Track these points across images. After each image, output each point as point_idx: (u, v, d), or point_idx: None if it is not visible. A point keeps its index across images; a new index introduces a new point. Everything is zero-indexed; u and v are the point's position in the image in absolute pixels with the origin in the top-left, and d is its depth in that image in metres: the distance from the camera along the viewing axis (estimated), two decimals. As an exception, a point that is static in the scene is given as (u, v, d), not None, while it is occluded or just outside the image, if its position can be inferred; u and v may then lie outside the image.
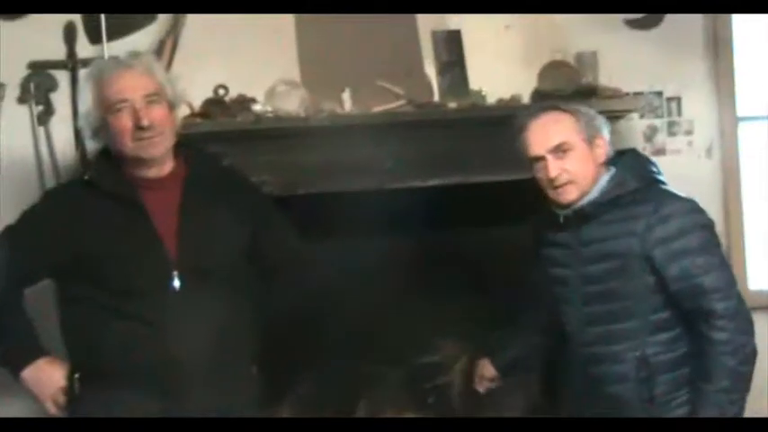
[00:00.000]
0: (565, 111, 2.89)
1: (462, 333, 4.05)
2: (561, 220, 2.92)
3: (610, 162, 2.92)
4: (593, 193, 2.87)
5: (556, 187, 2.86)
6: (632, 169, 2.90)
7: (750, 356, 2.78)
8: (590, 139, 2.87)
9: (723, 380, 2.75)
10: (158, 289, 2.78)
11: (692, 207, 2.87)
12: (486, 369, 3.32)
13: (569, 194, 2.87)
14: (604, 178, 2.89)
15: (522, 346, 3.29)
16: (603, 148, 2.89)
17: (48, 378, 2.88)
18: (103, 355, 2.79)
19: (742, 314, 2.78)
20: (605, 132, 2.90)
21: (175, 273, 2.79)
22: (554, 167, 2.85)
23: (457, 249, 3.86)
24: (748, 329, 2.79)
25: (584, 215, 2.88)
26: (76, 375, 2.84)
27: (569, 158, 2.85)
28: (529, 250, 3.14)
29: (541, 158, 2.87)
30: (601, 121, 2.90)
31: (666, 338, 2.84)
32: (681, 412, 2.82)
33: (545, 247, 3.01)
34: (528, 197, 3.02)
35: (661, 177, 2.94)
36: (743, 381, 2.78)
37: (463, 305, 3.83)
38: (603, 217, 2.86)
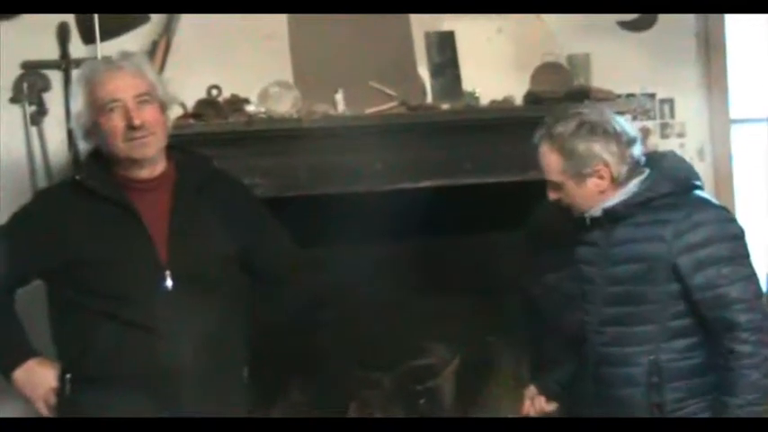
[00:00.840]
0: (553, 150, 2.86)
1: (453, 337, 4.05)
2: (588, 222, 2.89)
3: (645, 164, 2.88)
4: (623, 195, 2.84)
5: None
6: (667, 173, 2.86)
7: None
8: (578, 178, 2.84)
9: (747, 393, 2.71)
10: (149, 291, 2.77)
11: (724, 216, 2.84)
12: (537, 402, 3.22)
13: (574, 212, 2.91)
14: (636, 181, 2.85)
15: (569, 366, 3.16)
16: (604, 178, 2.84)
17: (39, 379, 2.87)
18: (94, 357, 2.78)
19: (766, 327, 2.74)
20: (609, 162, 2.82)
21: (167, 273, 2.77)
22: (551, 195, 2.91)
23: (448, 252, 3.85)
24: None
25: (614, 215, 2.84)
26: (68, 376, 2.82)
27: (563, 192, 2.88)
28: (522, 254, 3.12)
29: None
30: (596, 155, 2.82)
31: (682, 346, 2.80)
32: None
33: (577, 246, 2.96)
34: (521, 199, 3.00)
35: (698, 183, 2.90)
36: (766, 395, 2.74)
37: (454, 308, 3.82)
38: (634, 219, 2.82)
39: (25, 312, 2.94)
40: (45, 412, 2.88)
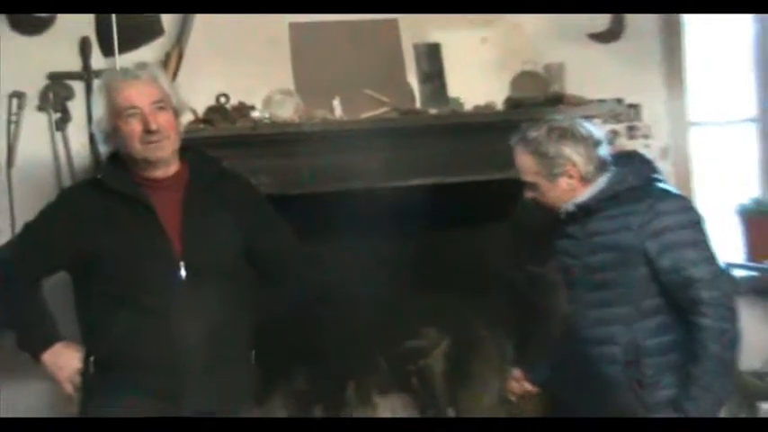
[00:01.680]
0: (528, 153, 2.89)
1: (443, 321, 4.05)
2: (563, 216, 2.91)
3: (613, 162, 2.90)
4: (592, 191, 2.86)
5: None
6: (632, 169, 2.88)
7: (731, 343, 2.75)
8: (550, 178, 2.86)
9: (708, 363, 2.72)
10: (165, 281, 2.75)
11: (685, 204, 2.87)
12: (522, 385, 3.25)
13: (549, 208, 2.93)
14: (604, 178, 2.87)
15: (553, 356, 3.20)
16: (573, 177, 2.86)
17: (65, 361, 2.85)
18: (115, 341, 2.76)
19: (726, 304, 2.75)
20: (577, 163, 2.84)
21: (181, 264, 2.76)
22: (526, 194, 2.93)
23: (437, 244, 3.85)
24: (731, 318, 2.75)
25: (586, 209, 2.86)
26: (91, 358, 2.81)
27: (537, 192, 2.90)
28: (504, 245, 3.12)
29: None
30: (566, 156, 2.84)
31: (656, 325, 2.81)
32: (666, 394, 2.79)
33: (556, 239, 2.98)
34: (503, 195, 3.00)
35: (659, 176, 2.91)
36: (726, 365, 2.76)
37: (444, 295, 3.81)
38: (606, 212, 2.84)
39: (51, 300, 2.92)
40: (70, 391, 2.86)
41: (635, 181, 2.84)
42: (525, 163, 2.90)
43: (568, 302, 2.94)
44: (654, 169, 2.93)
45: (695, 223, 2.83)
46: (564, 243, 2.94)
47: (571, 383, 3.00)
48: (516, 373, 3.25)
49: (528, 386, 3.22)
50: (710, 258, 2.80)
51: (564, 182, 2.87)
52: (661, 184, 2.89)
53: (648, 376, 2.80)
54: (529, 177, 2.90)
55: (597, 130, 2.95)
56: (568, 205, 2.88)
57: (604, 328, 2.84)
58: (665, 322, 2.81)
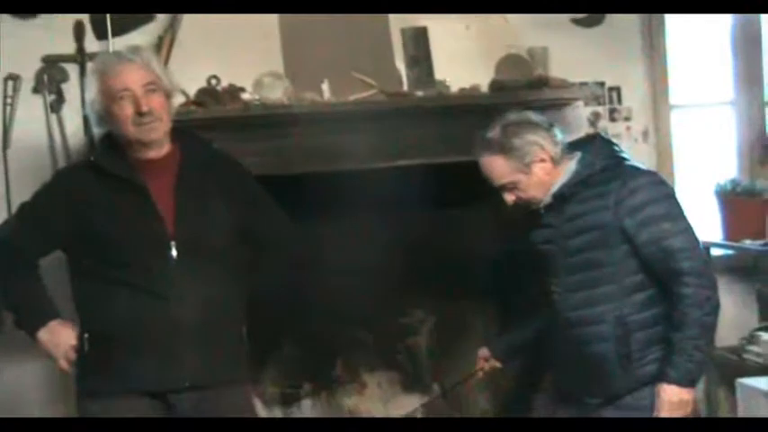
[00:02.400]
0: (494, 154, 2.84)
1: (428, 300, 4.05)
2: (542, 210, 2.89)
3: (577, 147, 2.88)
4: (565, 177, 2.84)
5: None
6: (598, 151, 2.86)
7: (713, 308, 2.74)
8: (525, 170, 2.83)
9: (689, 329, 2.71)
10: (157, 259, 2.75)
11: (656, 179, 2.85)
12: (491, 361, 3.25)
13: (533, 206, 2.89)
14: (573, 163, 2.85)
15: (519, 333, 3.24)
16: (546, 160, 2.83)
17: (60, 338, 2.83)
18: (109, 318, 2.76)
19: (706, 272, 2.76)
20: (544, 146, 2.82)
21: (173, 244, 2.75)
22: (509, 198, 2.88)
23: (422, 223, 3.84)
24: (711, 285, 2.75)
25: (562, 198, 2.84)
26: (86, 335, 2.80)
27: (517, 190, 2.86)
28: (488, 225, 3.12)
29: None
30: (532, 142, 2.82)
31: (641, 300, 2.80)
32: (652, 368, 2.78)
33: (532, 230, 2.96)
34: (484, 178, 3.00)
35: (625, 155, 2.90)
36: (707, 330, 2.76)
37: (429, 273, 3.81)
38: (580, 195, 2.82)
39: (47, 279, 2.91)
40: (65, 367, 2.85)
41: (604, 162, 2.82)
42: (497, 166, 2.85)
43: (552, 288, 2.92)
44: (618, 149, 2.92)
45: (669, 196, 2.82)
46: (544, 232, 2.92)
47: (561, 364, 2.99)
48: (483, 351, 3.26)
49: (494, 363, 3.23)
50: (687, 229, 2.79)
51: (539, 168, 2.83)
52: (629, 162, 2.87)
53: (636, 350, 2.79)
54: (505, 179, 2.86)
55: (541, 116, 2.93)
56: (547, 199, 2.86)
57: (592, 308, 2.82)
58: (648, 297, 2.80)
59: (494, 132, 2.85)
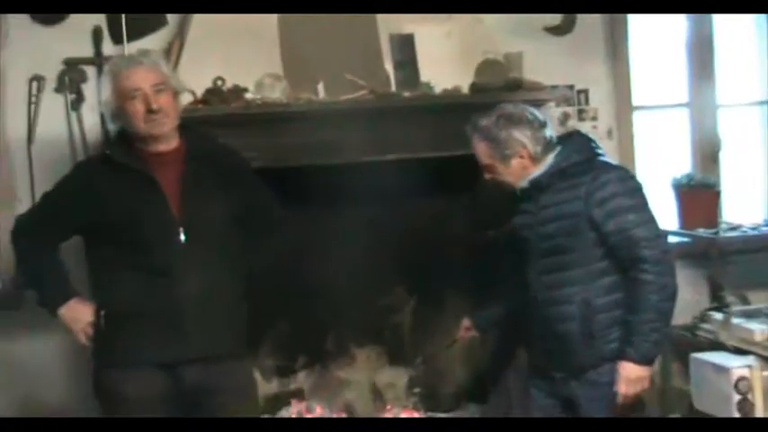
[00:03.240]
0: (481, 139, 2.88)
1: (411, 281, 4.03)
2: (519, 192, 2.89)
3: (558, 142, 2.88)
4: (543, 168, 2.84)
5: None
6: (575, 146, 2.87)
7: (670, 295, 2.76)
8: (504, 159, 2.85)
9: (647, 313, 2.72)
10: (166, 244, 2.74)
11: (623, 175, 2.84)
12: (470, 330, 3.28)
13: (506, 186, 2.91)
14: (552, 155, 2.85)
15: (497, 309, 3.24)
16: (524, 157, 2.84)
17: (79, 315, 2.83)
18: (123, 297, 2.75)
19: (666, 260, 2.76)
20: (526, 144, 2.83)
21: (180, 230, 2.74)
22: (486, 175, 2.92)
23: (408, 213, 3.81)
24: (670, 273, 2.76)
25: (538, 186, 2.84)
26: (102, 313, 2.79)
27: (495, 173, 2.89)
28: (466, 213, 3.11)
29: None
30: (516, 140, 2.83)
31: (605, 285, 2.79)
32: (613, 347, 2.78)
33: (514, 216, 2.96)
34: (468, 170, 2.98)
35: (600, 151, 2.90)
36: (664, 315, 2.77)
37: (413, 258, 3.79)
38: (555, 186, 2.82)
39: (68, 263, 2.91)
40: (83, 341, 2.84)
41: (579, 157, 2.83)
42: (480, 149, 2.88)
43: (525, 270, 2.92)
44: (594, 145, 2.91)
45: (635, 190, 2.82)
46: (520, 218, 2.92)
47: (534, 340, 2.99)
48: (466, 321, 3.28)
49: (473, 332, 3.26)
50: (650, 221, 2.79)
51: (516, 162, 2.85)
52: (602, 158, 2.87)
53: (599, 330, 2.78)
54: (485, 161, 2.89)
55: (541, 113, 2.92)
56: (523, 182, 2.86)
57: (560, 290, 2.82)
58: (612, 282, 2.79)
59: (487, 120, 2.87)
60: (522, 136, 2.82)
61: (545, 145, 2.85)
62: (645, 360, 2.75)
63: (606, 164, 2.86)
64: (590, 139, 2.94)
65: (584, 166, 2.81)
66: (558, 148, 2.86)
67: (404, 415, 3.85)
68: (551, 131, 2.88)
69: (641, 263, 2.71)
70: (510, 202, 2.94)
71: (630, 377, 2.75)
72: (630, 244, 2.73)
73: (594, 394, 2.82)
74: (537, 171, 2.84)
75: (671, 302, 2.76)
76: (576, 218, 2.77)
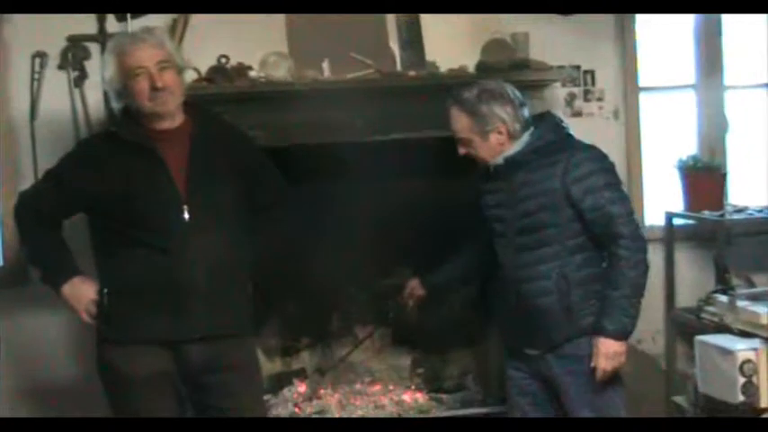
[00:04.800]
0: (462, 112, 2.89)
1: (415, 261, 4.01)
2: (492, 169, 2.91)
3: (531, 123, 2.90)
4: (518, 147, 2.87)
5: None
6: (548, 127, 2.91)
7: (645, 270, 2.82)
8: (482, 135, 2.86)
9: (625, 288, 2.78)
10: (171, 221, 2.72)
11: (597, 154, 2.90)
12: (416, 288, 3.30)
13: (481, 162, 2.93)
14: (526, 135, 2.88)
15: (448, 271, 3.26)
16: (503, 134, 2.86)
17: (82, 292, 2.82)
18: (127, 275, 2.74)
19: (640, 236, 2.83)
20: (506, 120, 2.85)
21: (185, 207, 2.72)
22: (461, 150, 2.93)
23: (412, 192, 3.79)
24: (645, 248, 2.83)
25: (514, 163, 2.87)
26: (105, 290, 2.77)
27: (470, 147, 2.90)
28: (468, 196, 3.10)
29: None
30: (497, 115, 2.85)
31: (580, 260, 2.84)
32: (590, 320, 2.83)
33: (484, 195, 2.99)
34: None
35: (570, 131, 2.95)
36: (639, 288, 2.82)
37: (417, 237, 3.78)
38: (531, 164, 2.85)
39: (71, 241, 2.90)
40: (87, 319, 2.83)
41: (553, 136, 2.88)
42: (460, 122, 2.89)
43: (499, 249, 2.94)
44: (565, 125, 2.96)
45: (608, 170, 2.88)
46: (496, 197, 2.94)
47: (507, 320, 3.01)
48: (413, 282, 3.30)
49: (419, 291, 3.27)
50: (624, 198, 2.87)
51: (494, 138, 2.87)
52: (573, 138, 2.93)
53: (576, 303, 2.82)
54: (463, 134, 2.90)
55: (518, 93, 2.93)
56: (498, 159, 2.88)
57: (537, 265, 2.85)
58: (587, 258, 2.85)
59: (469, 93, 2.88)
60: (502, 112, 2.85)
61: (522, 123, 2.88)
62: (622, 335, 2.80)
63: (580, 143, 2.92)
64: (561, 120, 2.99)
65: (559, 145, 2.86)
66: (532, 129, 2.89)
67: (406, 396, 3.86)
68: (527, 112, 2.92)
69: (618, 238, 2.78)
70: (480, 180, 2.97)
71: (609, 352, 2.79)
72: (607, 220, 2.79)
73: (572, 368, 2.86)
74: (512, 149, 2.86)
75: (644, 277, 2.83)
76: (552, 194, 2.82)
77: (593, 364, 2.80)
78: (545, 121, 2.93)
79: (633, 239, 2.78)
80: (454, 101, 2.90)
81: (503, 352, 3.20)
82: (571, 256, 2.83)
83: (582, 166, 2.81)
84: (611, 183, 2.85)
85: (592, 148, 2.92)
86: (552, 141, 2.86)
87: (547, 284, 2.83)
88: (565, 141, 2.89)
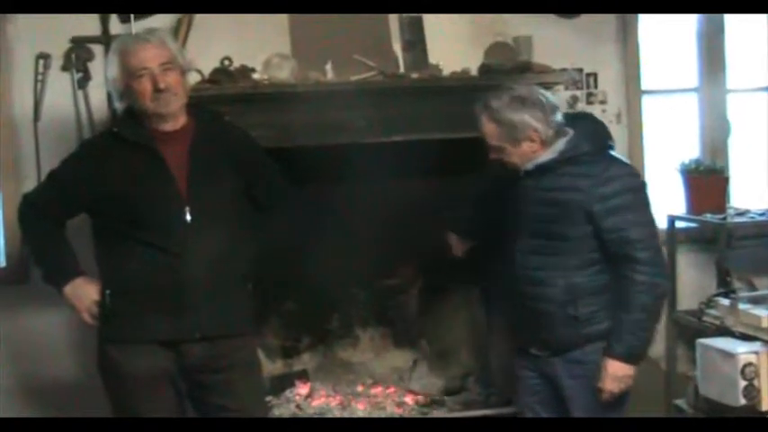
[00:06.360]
0: (492, 121, 2.80)
1: (417, 261, 4.02)
2: (522, 174, 2.83)
3: (569, 123, 2.82)
4: (552, 154, 2.79)
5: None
6: (586, 135, 2.81)
7: (661, 295, 2.77)
8: (513, 143, 2.79)
9: (638, 312, 2.72)
10: (172, 222, 2.72)
11: (631, 171, 2.83)
12: (454, 239, 3.21)
13: (512, 167, 2.85)
14: (562, 141, 2.79)
15: (474, 219, 3.17)
16: (535, 141, 2.78)
17: (84, 293, 2.82)
18: (129, 276, 2.74)
19: (659, 261, 2.76)
20: (538, 128, 2.76)
21: (187, 208, 2.72)
22: (491, 156, 2.85)
23: (414, 192, 3.78)
24: (662, 273, 2.77)
25: (543, 169, 2.80)
26: (108, 291, 2.77)
27: (502, 154, 2.82)
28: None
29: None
30: (527, 123, 2.76)
31: (592, 272, 2.78)
32: (599, 327, 2.78)
33: (511, 187, 2.89)
34: (475, 151, 2.95)
35: (611, 143, 2.86)
36: (654, 314, 2.77)
37: (418, 238, 3.78)
38: (559, 170, 2.78)
39: (74, 242, 2.90)
40: (89, 320, 2.83)
41: (589, 146, 2.79)
42: (490, 130, 2.81)
43: (513, 244, 2.88)
44: (607, 134, 2.87)
45: (639, 189, 2.80)
46: (517, 191, 2.86)
47: (516, 317, 2.97)
48: (452, 236, 3.21)
49: (462, 245, 3.19)
50: (648, 222, 2.79)
51: (526, 146, 2.79)
52: (612, 151, 2.84)
53: (583, 314, 2.77)
54: (494, 142, 2.82)
55: (553, 96, 2.87)
56: (529, 165, 2.82)
57: (546, 271, 2.80)
58: (599, 269, 2.78)
59: (498, 102, 2.79)
60: (534, 119, 2.76)
61: (556, 129, 2.80)
62: (633, 358, 2.75)
63: (615, 159, 2.83)
64: (603, 125, 2.90)
65: (593, 156, 2.78)
66: (570, 133, 2.81)
67: (407, 398, 3.86)
68: (560, 116, 2.83)
69: (635, 263, 2.71)
70: (510, 180, 2.89)
71: (617, 374, 2.75)
72: (625, 243, 2.72)
73: (576, 372, 2.82)
74: (545, 155, 2.79)
75: (660, 302, 2.77)
76: (570, 208, 2.75)
77: (599, 385, 2.76)
78: (582, 128, 2.83)
79: (650, 265, 2.71)
80: (484, 109, 2.82)
81: (502, 353, 3.19)
82: (582, 268, 2.77)
83: (611, 183, 2.73)
84: (638, 204, 2.76)
85: (626, 165, 2.83)
86: (586, 152, 2.77)
87: (553, 292, 2.78)
88: (600, 154, 2.80)
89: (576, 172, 2.75)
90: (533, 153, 2.80)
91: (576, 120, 2.89)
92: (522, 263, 2.84)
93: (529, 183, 2.83)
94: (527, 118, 2.76)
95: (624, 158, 2.87)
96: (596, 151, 2.79)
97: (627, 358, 2.73)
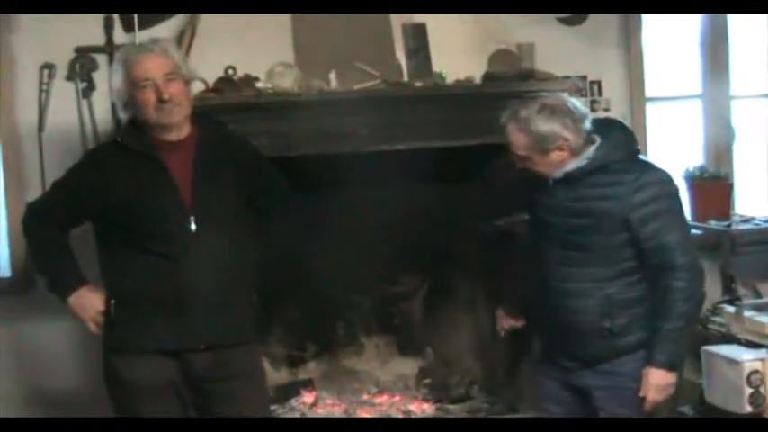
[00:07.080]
0: (520, 131, 2.74)
1: (422, 268, 4.02)
2: (551, 183, 2.77)
3: (597, 130, 2.76)
4: (581, 162, 2.73)
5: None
6: (615, 143, 2.75)
7: (699, 302, 2.74)
8: (542, 152, 2.72)
9: (677, 320, 2.67)
10: (177, 231, 2.72)
11: (665, 177, 2.76)
12: (506, 320, 3.14)
13: (540, 176, 2.79)
14: (591, 148, 2.73)
15: (526, 294, 3.07)
16: (564, 150, 2.71)
17: (89, 303, 2.81)
18: (133, 285, 2.74)
19: (697, 267, 2.71)
20: (567, 137, 2.69)
21: (192, 218, 2.72)
22: (518, 164, 2.79)
23: (418, 200, 3.77)
24: (701, 278, 2.72)
25: (573, 177, 2.74)
26: (112, 301, 2.77)
27: (530, 163, 2.76)
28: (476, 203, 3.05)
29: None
30: (557, 133, 2.69)
31: (627, 282, 2.73)
32: (634, 338, 2.73)
33: (540, 197, 2.83)
34: (478, 159, 2.95)
35: (638, 147, 2.83)
36: (692, 320, 2.76)
37: (422, 245, 3.78)
38: (591, 179, 2.72)
39: (78, 251, 2.89)
40: (94, 330, 2.83)
41: (619, 154, 2.73)
42: (518, 140, 2.74)
43: (543, 255, 2.83)
44: (635, 140, 2.83)
45: (673, 195, 2.75)
46: (547, 200, 2.80)
47: (547, 329, 2.92)
48: (500, 312, 3.16)
49: (512, 322, 3.12)
50: (684, 227, 2.74)
51: (556, 155, 2.73)
52: (643, 157, 2.81)
53: (618, 326, 2.72)
54: (522, 152, 2.75)
55: (582, 104, 2.81)
56: (558, 173, 2.75)
57: (581, 283, 2.74)
58: (636, 280, 2.73)
59: (526, 112, 2.73)
60: (564, 129, 2.70)
61: (585, 137, 2.73)
62: (673, 366, 2.71)
63: (648, 164, 2.78)
64: (630, 133, 2.85)
65: (625, 164, 2.72)
66: (598, 141, 2.74)
67: (413, 406, 3.85)
68: (589, 124, 2.76)
69: (674, 270, 2.66)
70: (538, 188, 2.83)
71: (660, 384, 2.70)
72: (663, 250, 2.66)
73: (608, 383, 2.77)
74: (574, 163, 2.73)
75: (699, 308, 2.76)
76: (605, 218, 2.69)
77: (641, 394, 2.70)
78: (612, 136, 2.77)
79: (689, 270, 2.66)
80: (512, 118, 2.75)
81: (507, 361, 3.17)
82: (615, 278, 2.71)
83: (645, 190, 2.67)
84: (674, 210, 2.72)
85: (660, 171, 2.77)
86: (617, 160, 2.71)
87: (589, 304, 2.72)
88: (632, 161, 2.74)
89: (609, 180, 2.70)
90: (562, 162, 2.74)
91: (604, 127, 2.82)
92: (556, 274, 2.78)
93: (558, 192, 2.77)
94: (557, 128, 2.70)
95: (656, 163, 2.82)
96: (627, 158, 2.74)
97: (670, 367, 2.69)
